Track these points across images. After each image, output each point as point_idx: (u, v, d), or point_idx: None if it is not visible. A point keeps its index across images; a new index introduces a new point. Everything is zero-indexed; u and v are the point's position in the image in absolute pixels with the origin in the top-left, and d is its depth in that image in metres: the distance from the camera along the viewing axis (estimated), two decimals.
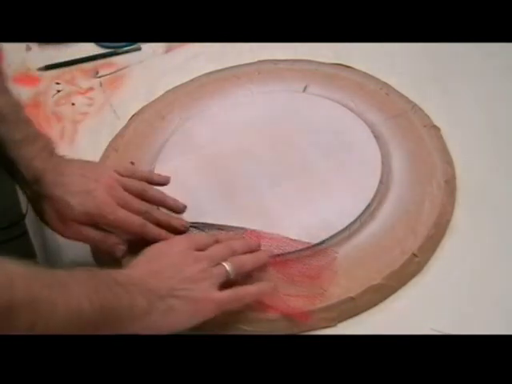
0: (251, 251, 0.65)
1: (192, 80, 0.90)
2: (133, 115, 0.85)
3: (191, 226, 0.69)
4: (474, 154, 0.76)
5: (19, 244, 0.75)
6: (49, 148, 0.68)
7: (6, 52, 0.94)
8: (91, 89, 0.91)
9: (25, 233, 0.79)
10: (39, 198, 0.66)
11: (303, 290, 0.63)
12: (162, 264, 0.60)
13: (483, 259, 0.66)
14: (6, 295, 0.47)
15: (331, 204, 0.70)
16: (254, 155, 0.77)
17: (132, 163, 0.78)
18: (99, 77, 0.93)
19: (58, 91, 0.91)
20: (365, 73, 0.86)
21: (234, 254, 0.63)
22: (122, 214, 0.66)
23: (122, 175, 0.69)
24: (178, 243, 0.63)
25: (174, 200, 0.70)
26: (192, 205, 0.71)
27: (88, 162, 0.71)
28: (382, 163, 0.73)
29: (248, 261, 0.63)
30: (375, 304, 0.64)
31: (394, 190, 0.72)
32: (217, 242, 0.64)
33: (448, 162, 0.75)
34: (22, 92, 0.91)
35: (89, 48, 0.97)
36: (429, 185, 0.72)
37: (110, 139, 0.83)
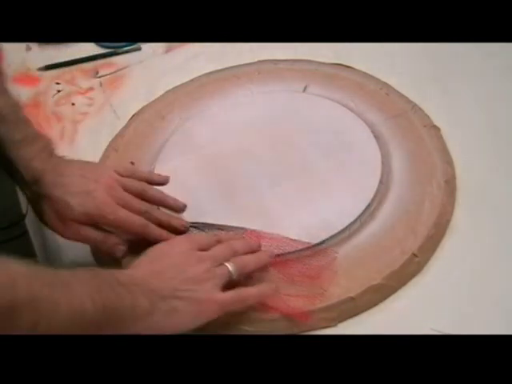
0: (252, 251, 0.65)
1: (192, 80, 0.90)
2: (133, 115, 0.85)
3: (191, 226, 0.69)
4: (474, 154, 0.76)
5: (19, 244, 0.75)
6: (48, 148, 0.68)
7: (6, 52, 0.94)
8: (91, 89, 0.91)
9: (25, 233, 0.79)
10: (39, 199, 0.66)
11: (303, 290, 0.63)
12: (164, 264, 0.60)
13: (483, 259, 0.66)
14: (8, 295, 0.47)
15: (331, 204, 0.70)
16: (253, 155, 0.77)
17: (132, 163, 0.78)
18: (99, 77, 0.93)
19: (58, 91, 0.91)
20: (365, 73, 0.86)
21: (235, 254, 0.63)
22: (123, 214, 0.65)
23: (122, 175, 0.69)
24: (179, 243, 0.63)
25: (174, 199, 0.70)
26: (192, 205, 0.71)
27: (87, 162, 0.71)
28: (382, 163, 0.73)
29: (250, 261, 0.63)
30: (375, 304, 0.64)
31: (394, 189, 0.72)
32: (218, 241, 0.64)
33: (448, 162, 0.75)
34: (22, 92, 0.91)
35: (89, 48, 0.97)
36: (429, 185, 0.72)
37: (110, 139, 0.83)
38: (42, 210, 0.66)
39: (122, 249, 0.66)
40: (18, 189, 0.71)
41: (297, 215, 0.70)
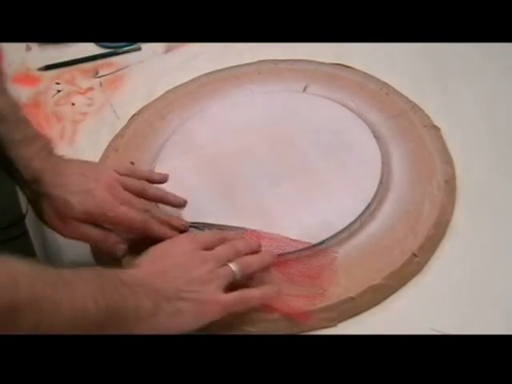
0: (253, 252, 0.64)
1: (192, 80, 0.90)
2: (133, 115, 0.86)
3: (191, 226, 0.69)
4: (474, 154, 0.76)
5: (19, 244, 0.75)
6: (48, 148, 0.68)
7: (6, 52, 0.94)
8: (91, 89, 0.91)
9: (25, 233, 0.79)
10: (38, 198, 0.66)
11: (303, 290, 0.63)
12: (167, 264, 0.59)
13: (483, 259, 0.66)
14: (9, 294, 0.47)
15: (331, 204, 0.70)
16: (253, 155, 0.77)
17: (132, 163, 0.78)
18: (99, 77, 0.93)
19: (58, 91, 0.91)
20: (365, 73, 0.86)
21: (238, 254, 0.63)
22: (123, 211, 0.65)
23: (122, 175, 0.69)
24: (182, 242, 0.63)
25: (174, 196, 0.70)
26: (192, 205, 0.71)
27: (87, 161, 0.71)
28: (382, 163, 0.73)
29: (253, 262, 0.63)
30: (375, 304, 0.64)
31: (394, 189, 0.72)
32: (221, 240, 0.64)
33: (448, 162, 0.75)
34: (22, 92, 0.91)
35: (89, 48, 0.97)
36: (429, 185, 0.72)
37: (109, 139, 0.83)
38: (41, 209, 0.66)
39: (122, 247, 0.66)
40: (18, 189, 0.71)
41: (297, 215, 0.70)
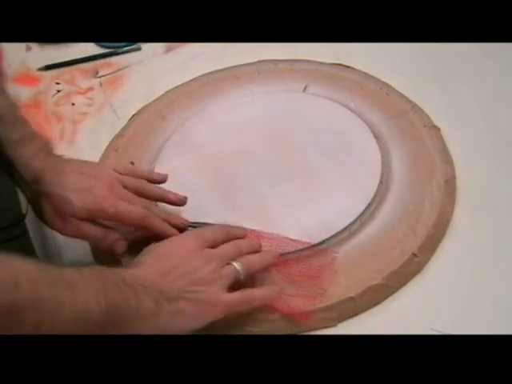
0: (255, 252, 0.64)
1: (192, 80, 0.90)
2: (133, 115, 0.86)
3: (190, 226, 0.69)
4: (474, 154, 0.76)
5: (19, 244, 0.75)
6: (47, 148, 0.68)
7: (6, 52, 0.94)
8: (91, 89, 0.91)
9: (25, 233, 0.79)
10: (38, 197, 0.66)
11: (303, 290, 0.63)
12: (170, 263, 0.59)
13: (483, 259, 0.66)
14: (10, 293, 0.46)
15: (331, 204, 0.70)
16: (254, 155, 0.77)
17: (132, 163, 0.78)
18: (99, 77, 0.93)
19: (58, 91, 0.91)
20: (365, 73, 0.86)
21: (242, 253, 0.62)
22: (123, 207, 0.65)
23: (121, 174, 0.69)
24: (186, 240, 0.62)
25: (174, 194, 0.70)
26: (192, 205, 0.70)
27: (87, 161, 0.71)
28: (382, 163, 0.73)
29: (256, 261, 0.63)
30: (375, 304, 0.64)
31: (394, 189, 0.72)
32: (225, 235, 0.64)
33: (448, 162, 0.75)
34: (22, 92, 0.91)
35: (89, 48, 0.97)
36: (429, 185, 0.72)
37: (110, 139, 0.83)
38: (41, 208, 0.66)
39: (122, 244, 0.66)
40: (18, 189, 0.71)
41: (297, 215, 0.69)
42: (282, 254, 0.66)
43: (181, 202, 0.70)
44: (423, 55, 0.89)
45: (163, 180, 0.71)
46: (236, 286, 0.60)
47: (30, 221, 0.75)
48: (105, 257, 0.68)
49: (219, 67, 0.91)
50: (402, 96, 0.82)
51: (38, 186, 0.65)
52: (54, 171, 0.66)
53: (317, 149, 0.76)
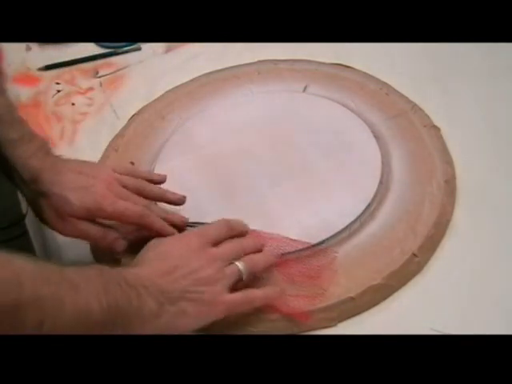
0: (257, 251, 0.64)
1: (192, 80, 0.90)
2: (133, 115, 0.86)
3: (190, 226, 0.69)
4: (474, 154, 0.76)
5: (19, 244, 0.75)
6: (45, 148, 0.68)
7: (6, 52, 0.94)
8: (91, 89, 0.91)
9: (25, 233, 0.80)
10: (37, 197, 0.66)
11: (303, 290, 0.63)
12: (173, 263, 0.59)
13: (483, 259, 0.66)
14: (13, 292, 0.46)
15: (331, 204, 0.70)
16: (254, 155, 0.77)
17: (132, 163, 0.78)
18: (99, 77, 0.93)
19: (58, 91, 0.91)
20: (365, 73, 0.86)
21: (244, 253, 0.62)
22: (122, 205, 0.65)
23: (120, 174, 0.69)
24: (188, 240, 0.62)
25: (173, 193, 0.70)
26: (192, 205, 0.70)
27: (85, 161, 0.71)
28: (382, 163, 0.73)
29: (260, 260, 0.63)
30: (375, 304, 0.64)
31: (394, 189, 0.72)
32: (228, 230, 0.64)
33: (448, 162, 0.75)
34: (22, 92, 0.91)
35: (89, 48, 0.97)
36: (429, 185, 0.72)
37: (110, 139, 0.83)
38: (40, 208, 0.66)
39: (122, 243, 0.66)
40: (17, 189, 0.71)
41: (297, 215, 0.69)
42: (282, 254, 0.66)
43: (180, 201, 0.69)
44: (423, 55, 0.89)
45: (162, 180, 0.71)
46: (237, 286, 0.60)
47: (30, 221, 0.75)
48: (105, 257, 0.68)
49: (219, 67, 0.91)
50: (402, 96, 0.82)
51: (37, 186, 0.65)
52: (52, 171, 0.65)
53: (317, 149, 0.76)
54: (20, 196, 0.74)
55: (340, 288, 0.64)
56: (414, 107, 0.81)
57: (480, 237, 0.68)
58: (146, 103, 0.87)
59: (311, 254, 0.66)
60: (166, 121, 0.84)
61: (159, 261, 0.59)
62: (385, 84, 0.84)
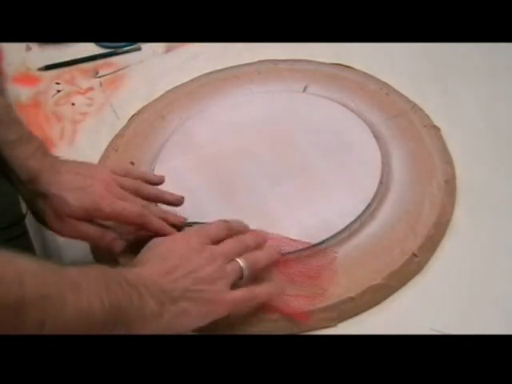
0: (260, 247, 0.64)
1: (192, 80, 0.90)
2: (133, 115, 0.86)
3: (189, 226, 0.69)
4: (474, 154, 0.76)
5: (19, 244, 0.75)
6: (43, 148, 0.68)
7: (6, 52, 0.94)
8: (91, 89, 0.91)
9: (25, 233, 0.79)
10: (35, 198, 0.65)
11: (303, 290, 0.63)
12: (174, 262, 0.58)
13: (483, 259, 0.66)
14: (16, 290, 0.46)
15: (331, 204, 0.70)
16: (254, 155, 0.77)
17: (132, 163, 0.78)
18: (99, 77, 0.93)
19: (58, 91, 0.91)
20: (365, 73, 0.86)
21: (247, 249, 0.62)
22: (120, 206, 0.65)
23: (118, 175, 0.69)
24: (188, 238, 0.62)
25: (171, 194, 0.70)
26: (192, 205, 0.70)
27: (82, 162, 0.70)
28: (382, 163, 0.73)
29: (261, 257, 0.62)
30: (375, 304, 0.64)
31: (394, 190, 0.72)
32: (228, 231, 0.64)
33: (448, 162, 0.75)
34: (22, 92, 0.91)
35: (89, 48, 0.97)
36: (429, 185, 0.72)
37: (109, 139, 0.83)
38: (38, 208, 0.66)
39: (120, 244, 0.66)
40: None
41: (297, 215, 0.69)
42: (282, 254, 0.65)
43: (178, 201, 0.69)
44: (423, 55, 0.89)
45: (160, 181, 0.71)
46: (238, 285, 0.60)
47: (30, 221, 0.75)
48: (105, 257, 0.68)
49: (219, 67, 0.91)
50: (402, 96, 0.82)
51: (35, 187, 0.65)
52: (50, 171, 0.65)
53: (317, 149, 0.76)
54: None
55: (340, 288, 0.64)
56: (414, 107, 0.81)
57: (480, 237, 0.68)
58: (146, 103, 0.87)
59: (311, 254, 0.66)
60: (166, 121, 0.84)
61: (159, 260, 0.59)
62: (385, 84, 0.84)
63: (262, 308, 0.62)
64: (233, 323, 0.61)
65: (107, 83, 0.92)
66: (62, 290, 0.49)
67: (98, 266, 0.56)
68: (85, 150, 0.82)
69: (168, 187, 0.71)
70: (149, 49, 0.96)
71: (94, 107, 0.89)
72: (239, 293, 0.59)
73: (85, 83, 0.92)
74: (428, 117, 0.79)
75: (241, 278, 0.60)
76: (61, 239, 0.69)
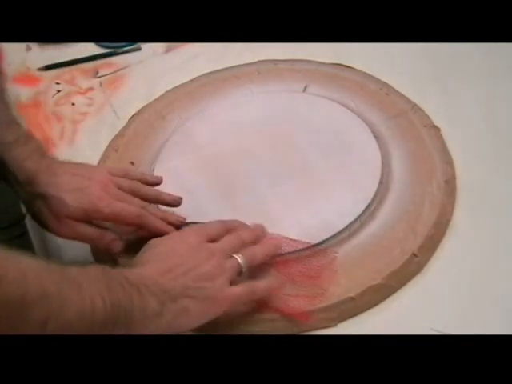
0: (258, 240, 0.64)
1: (192, 80, 0.90)
2: (133, 115, 0.85)
3: (186, 226, 0.69)
4: (474, 154, 0.76)
5: (19, 244, 0.75)
6: (40, 149, 0.68)
7: (6, 52, 0.94)
8: (91, 89, 0.91)
9: (25, 233, 0.79)
10: (33, 199, 0.65)
11: (303, 290, 0.63)
12: (173, 261, 0.58)
13: (483, 259, 0.66)
14: (19, 289, 0.46)
15: (331, 204, 0.70)
16: (254, 155, 0.77)
17: (132, 163, 0.78)
18: (99, 77, 0.93)
19: (58, 91, 0.91)
20: (365, 73, 0.86)
21: (244, 245, 0.62)
22: (118, 206, 0.65)
23: (115, 176, 0.69)
24: (186, 237, 0.62)
25: (169, 194, 0.70)
26: (192, 205, 0.70)
27: (80, 163, 0.70)
28: (382, 163, 0.73)
29: (259, 252, 0.63)
30: (375, 304, 0.64)
31: (394, 190, 0.72)
32: (226, 229, 0.64)
33: (448, 162, 0.75)
34: (22, 92, 0.91)
35: (89, 48, 0.97)
36: (429, 185, 0.72)
37: (110, 139, 0.83)
38: (36, 210, 0.66)
39: (119, 244, 0.66)
40: None
41: (297, 215, 0.69)
42: (282, 254, 0.66)
43: (175, 202, 0.69)
44: (423, 55, 0.89)
45: (158, 182, 0.71)
46: (236, 282, 0.60)
47: (30, 221, 0.75)
48: (105, 257, 0.68)
49: (219, 67, 0.91)
50: (402, 96, 0.82)
51: (32, 188, 0.65)
52: (47, 173, 0.65)
53: (317, 149, 0.76)
54: None
55: (340, 288, 0.64)
56: (414, 107, 0.81)
57: (480, 237, 0.68)
58: (146, 103, 0.87)
59: (311, 254, 0.66)
60: (166, 121, 0.84)
61: (159, 260, 0.59)
62: (385, 84, 0.84)
63: (262, 308, 0.62)
64: (233, 323, 0.61)
65: (107, 83, 0.92)
66: (64, 288, 0.49)
67: (98, 265, 0.56)
68: (85, 150, 0.82)
69: (168, 187, 0.71)
70: (149, 49, 0.96)
71: (94, 107, 0.89)
72: (239, 288, 0.59)
73: (85, 83, 0.92)
74: (428, 117, 0.79)
75: (240, 273, 0.60)
76: (61, 239, 0.69)
